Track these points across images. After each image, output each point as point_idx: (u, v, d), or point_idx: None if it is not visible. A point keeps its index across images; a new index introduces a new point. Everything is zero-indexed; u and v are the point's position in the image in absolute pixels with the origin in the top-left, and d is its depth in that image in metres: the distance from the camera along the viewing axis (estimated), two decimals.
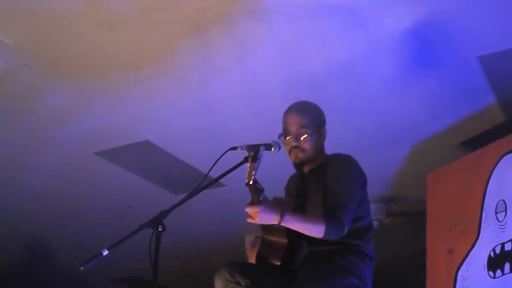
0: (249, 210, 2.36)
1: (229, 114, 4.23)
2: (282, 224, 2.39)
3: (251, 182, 2.34)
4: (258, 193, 2.36)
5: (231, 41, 3.47)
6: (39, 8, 3.22)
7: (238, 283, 2.54)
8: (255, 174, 2.36)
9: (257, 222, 2.40)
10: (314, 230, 2.44)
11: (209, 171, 2.45)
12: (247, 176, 2.36)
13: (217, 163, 2.42)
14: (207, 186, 2.47)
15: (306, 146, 2.68)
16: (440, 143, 4.49)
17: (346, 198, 2.52)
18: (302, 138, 2.68)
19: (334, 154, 2.79)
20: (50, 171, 5.03)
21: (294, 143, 2.68)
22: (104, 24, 3.35)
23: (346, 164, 2.68)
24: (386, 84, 3.83)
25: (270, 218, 2.37)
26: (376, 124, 4.29)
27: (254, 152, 2.40)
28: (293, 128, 2.70)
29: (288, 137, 2.70)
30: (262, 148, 2.44)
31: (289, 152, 2.71)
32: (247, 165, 2.38)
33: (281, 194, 2.88)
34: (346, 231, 2.48)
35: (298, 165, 2.74)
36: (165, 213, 2.32)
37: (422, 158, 4.65)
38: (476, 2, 3.11)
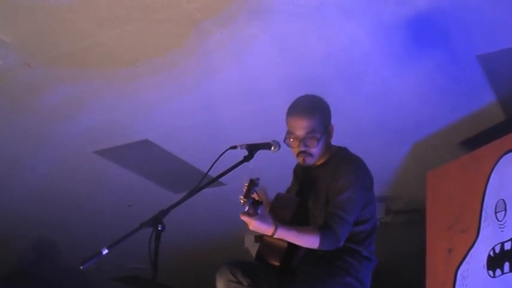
0: (244, 219, 2.36)
1: (229, 113, 4.23)
2: (275, 236, 2.41)
3: (246, 208, 2.32)
4: (255, 206, 2.34)
5: (231, 39, 3.47)
6: (39, 5, 3.22)
7: (240, 283, 2.55)
8: (247, 206, 2.32)
9: (250, 229, 2.41)
10: (308, 242, 2.46)
11: (209, 170, 2.44)
12: (242, 197, 2.32)
13: (217, 162, 2.42)
14: (206, 185, 2.47)
15: (315, 150, 2.61)
16: (441, 142, 4.48)
17: (344, 210, 2.50)
18: (310, 143, 2.59)
19: (341, 151, 2.73)
20: (49, 170, 5.03)
21: (302, 148, 2.60)
22: (104, 22, 3.35)
23: (351, 169, 2.61)
24: (386, 82, 3.83)
25: (264, 230, 2.39)
26: (377, 122, 4.29)
27: (248, 186, 2.32)
28: (300, 133, 2.58)
29: (295, 142, 2.61)
30: (256, 181, 2.36)
31: (297, 155, 2.64)
32: (241, 197, 2.32)
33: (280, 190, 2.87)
34: (342, 243, 2.49)
35: (307, 168, 2.71)
36: (164, 212, 2.32)
37: (423, 157, 4.64)
38: (475, 1, 3.10)
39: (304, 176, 2.81)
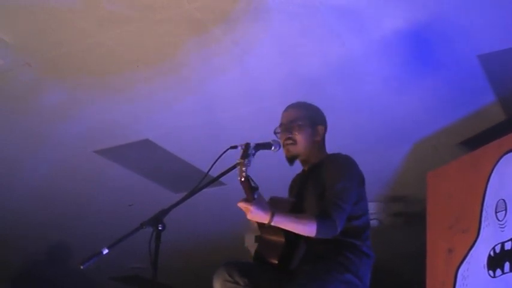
0: (241, 205, 2.39)
1: (229, 113, 4.23)
2: (273, 223, 2.42)
3: (243, 179, 2.35)
4: (252, 190, 2.37)
5: (231, 40, 3.47)
6: (39, 5, 3.22)
7: (236, 283, 2.55)
8: (246, 170, 2.36)
9: (248, 218, 2.43)
10: (306, 229, 2.46)
11: (209, 170, 2.45)
12: (238, 173, 2.36)
13: (217, 162, 2.43)
14: (207, 185, 2.48)
15: (298, 138, 2.73)
16: (441, 142, 4.48)
17: (341, 199, 2.53)
18: (293, 129, 2.73)
19: (333, 154, 2.79)
20: (49, 170, 5.03)
21: (286, 135, 2.74)
22: (105, 22, 3.35)
23: (343, 164, 2.69)
24: (386, 83, 3.83)
25: (261, 217, 2.41)
26: (376, 123, 4.29)
27: (244, 149, 2.42)
28: (285, 121, 2.78)
29: (281, 130, 2.77)
30: (252, 144, 2.45)
31: (283, 146, 2.74)
32: (237, 160, 2.39)
33: (280, 193, 2.88)
34: (339, 230, 2.49)
35: (291, 159, 2.75)
36: (165, 212, 2.33)
37: (423, 157, 4.64)
38: (476, 1, 3.10)
39: (298, 184, 2.85)
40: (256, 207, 2.38)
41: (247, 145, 2.43)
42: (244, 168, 2.35)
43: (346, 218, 2.54)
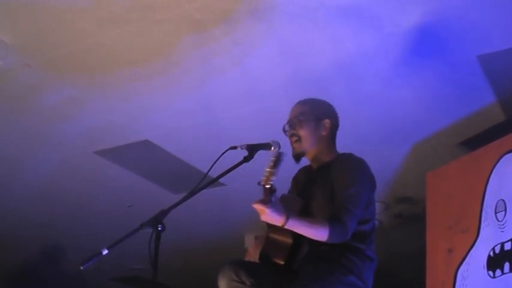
0: (257, 207, 2.35)
1: (229, 113, 4.22)
2: (286, 227, 2.39)
3: (268, 186, 2.33)
4: (271, 193, 2.35)
5: (231, 40, 3.47)
6: (39, 5, 3.22)
7: (243, 282, 2.53)
8: (273, 179, 2.34)
9: (262, 219, 2.40)
10: (318, 234, 2.44)
11: (209, 170, 2.44)
12: (264, 178, 2.33)
13: (217, 162, 2.42)
14: (206, 186, 2.47)
15: (302, 132, 2.70)
16: (440, 142, 4.48)
17: (352, 204, 2.51)
18: (296, 125, 2.72)
19: (345, 154, 2.76)
20: (49, 170, 5.03)
21: (291, 131, 2.73)
22: (105, 22, 3.35)
23: (356, 167, 2.65)
24: (386, 83, 3.83)
25: (276, 220, 2.37)
26: (376, 123, 4.29)
27: (277, 159, 2.36)
28: (291, 118, 2.77)
29: (286, 126, 2.76)
30: (283, 155, 2.40)
31: (290, 143, 2.73)
32: (267, 169, 2.34)
33: (285, 191, 2.87)
34: (349, 235, 2.48)
35: (297, 157, 2.72)
36: (164, 213, 2.32)
37: (422, 157, 4.64)
38: (476, 1, 3.10)
39: (306, 178, 2.82)
40: (272, 209, 2.34)
41: (280, 155, 2.38)
42: (272, 178, 2.32)
43: (356, 224, 2.53)
